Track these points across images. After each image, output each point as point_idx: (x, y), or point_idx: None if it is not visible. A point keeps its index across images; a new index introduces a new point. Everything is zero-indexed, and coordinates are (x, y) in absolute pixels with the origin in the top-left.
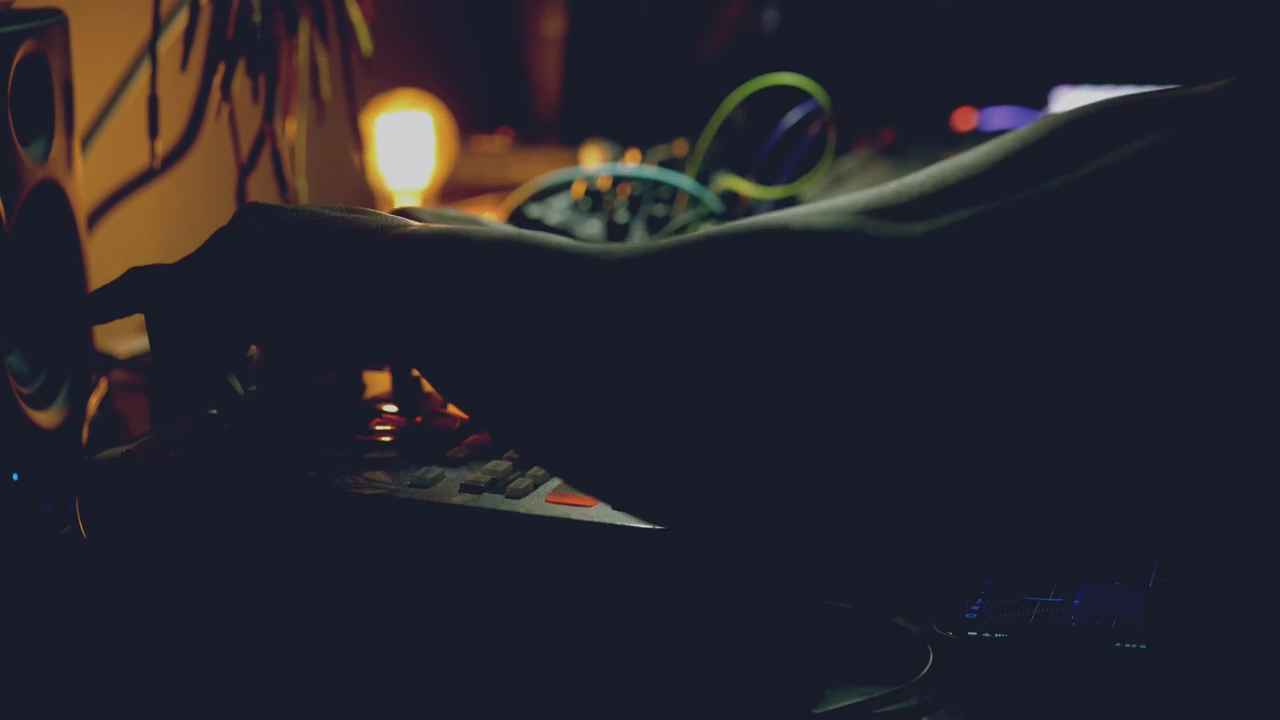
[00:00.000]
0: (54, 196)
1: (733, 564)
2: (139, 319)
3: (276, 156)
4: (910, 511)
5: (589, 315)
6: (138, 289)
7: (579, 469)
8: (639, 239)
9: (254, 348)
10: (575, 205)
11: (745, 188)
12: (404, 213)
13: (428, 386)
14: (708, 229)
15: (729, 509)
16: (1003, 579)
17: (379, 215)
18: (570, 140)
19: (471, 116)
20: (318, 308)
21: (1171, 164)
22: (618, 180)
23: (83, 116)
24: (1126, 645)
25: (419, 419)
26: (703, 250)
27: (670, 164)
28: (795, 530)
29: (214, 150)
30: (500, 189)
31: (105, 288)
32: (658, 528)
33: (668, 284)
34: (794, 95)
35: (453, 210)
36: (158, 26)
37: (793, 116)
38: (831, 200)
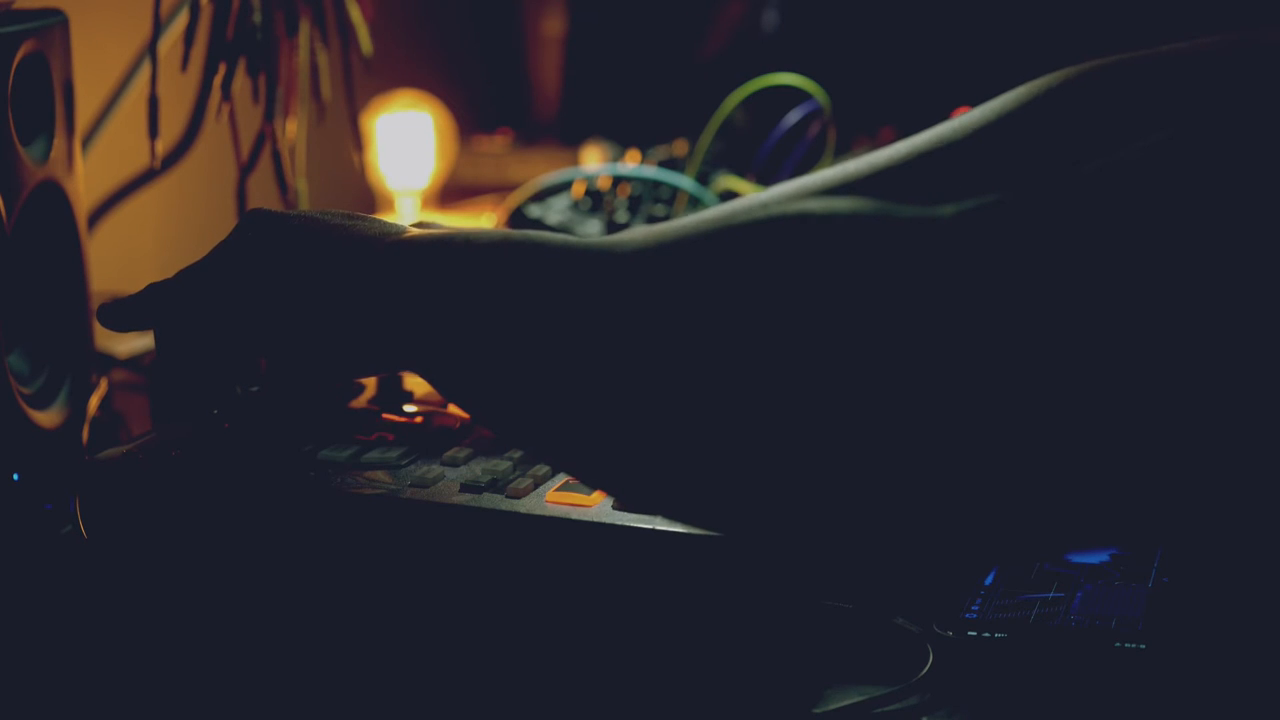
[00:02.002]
0: (54, 196)
1: (734, 564)
2: None
3: (276, 156)
4: (931, 508)
5: (606, 309)
6: (154, 305)
7: (593, 467)
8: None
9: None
10: (575, 205)
11: (745, 188)
12: (421, 226)
13: (422, 389)
14: (719, 215)
15: (759, 505)
16: (1003, 579)
17: (380, 222)
18: (570, 140)
19: (471, 116)
20: (321, 315)
21: (1200, 153)
22: (618, 180)
23: (83, 116)
24: (1126, 645)
25: (419, 418)
26: (722, 240)
27: (670, 164)
28: (827, 529)
29: (214, 150)
30: (500, 189)
31: (123, 301)
32: (657, 528)
33: (689, 276)
34: (794, 95)
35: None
36: (158, 26)
37: (793, 116)
38: (840, 166)
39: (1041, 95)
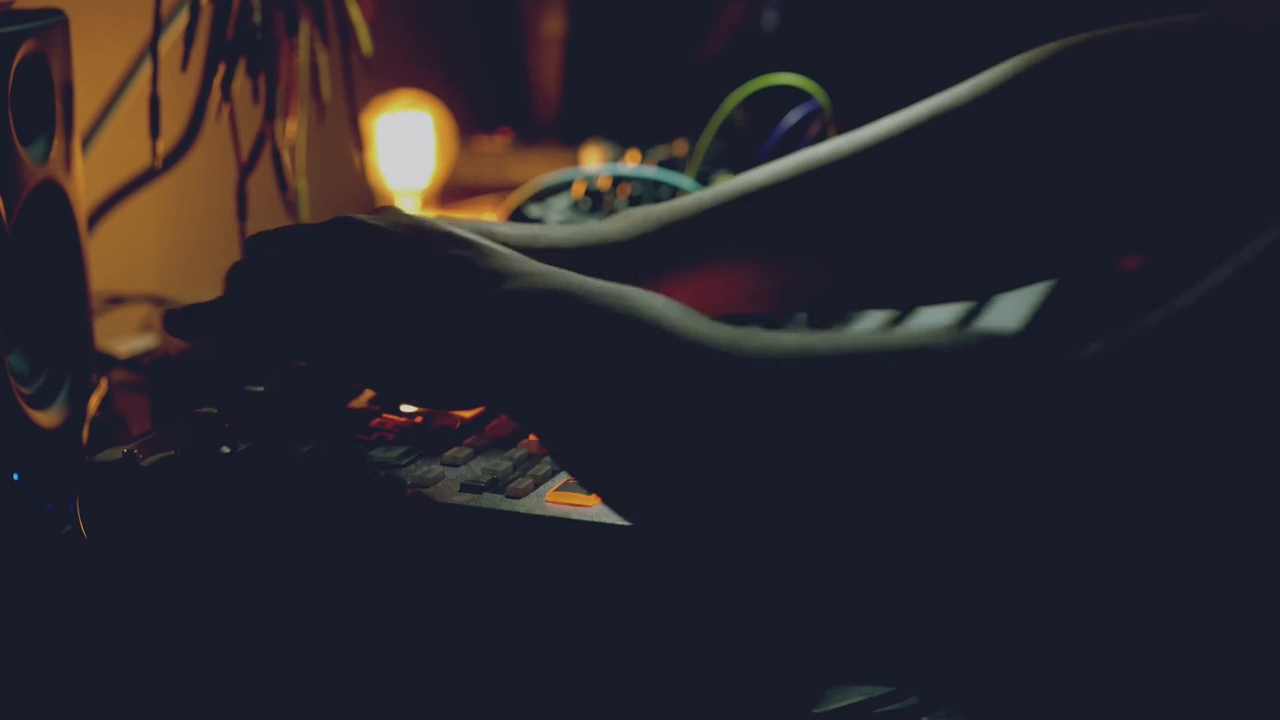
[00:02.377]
0: (54, 196)
1: (734, 564)
2: (138, 317)
3: (276, 156)
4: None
5: (732, 412)
6: (233, 319)
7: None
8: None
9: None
10: (575, 205)
11: None
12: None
13: None
14: (846, 336)
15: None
16: None
17: (490, 254)
18: (570, 140)
19: (471, 116)
20: (429, 350)
21: None
22: (618, 180)
23: (83, 116)
24: None
25: (419, 418)
26: (853, 367)
27: (670, 164)
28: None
29: (214, 150)
30: (500, 189)
31: (193, 309)
32: None
33: (816, 398)
34: (794, 95)
35: (463, 219)
36: (158, 26)
37: (793, 116)
38: (832, 143)
39: (1029, 70)
